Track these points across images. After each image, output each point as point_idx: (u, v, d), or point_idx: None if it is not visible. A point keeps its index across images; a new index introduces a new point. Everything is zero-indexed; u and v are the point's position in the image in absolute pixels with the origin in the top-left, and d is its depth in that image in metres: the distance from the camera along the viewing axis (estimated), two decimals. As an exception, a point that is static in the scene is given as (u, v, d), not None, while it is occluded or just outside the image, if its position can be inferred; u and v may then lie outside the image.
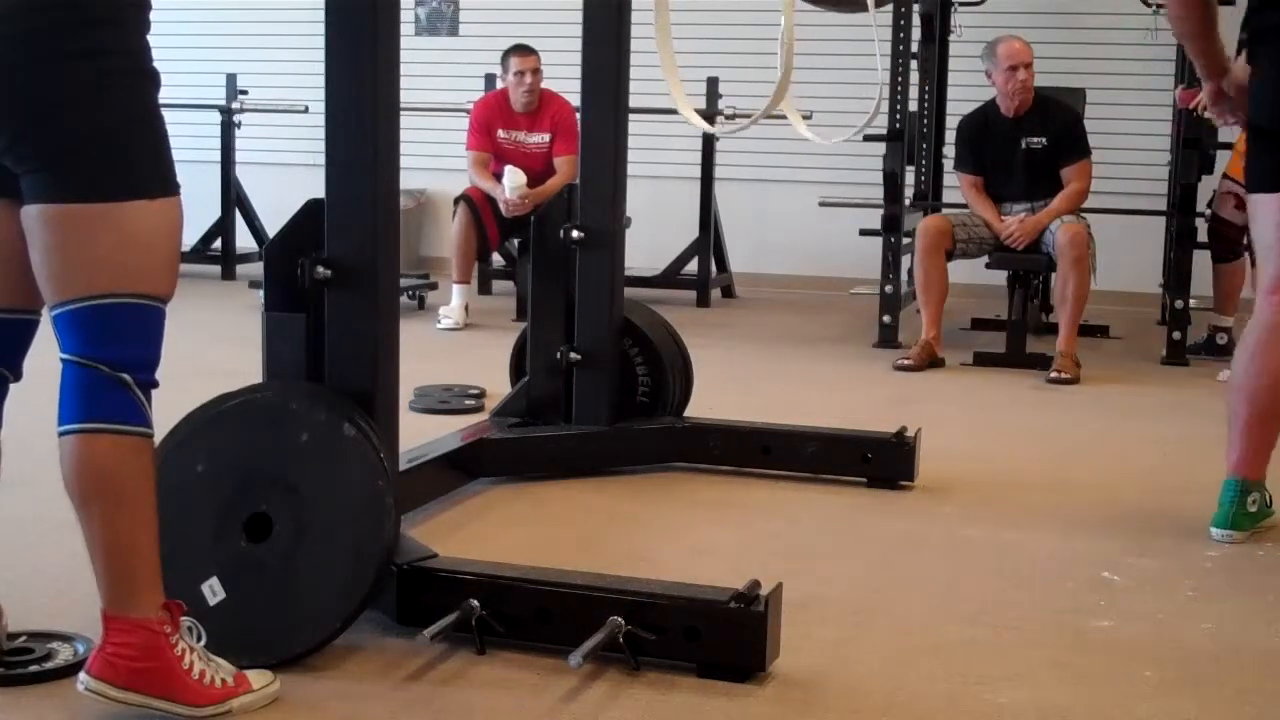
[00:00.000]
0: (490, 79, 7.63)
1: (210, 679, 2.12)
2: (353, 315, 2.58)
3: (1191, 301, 5.87)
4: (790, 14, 3.27)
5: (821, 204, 7.06)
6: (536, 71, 6.69)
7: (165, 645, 2.07)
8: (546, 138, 6.76)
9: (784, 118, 3.79)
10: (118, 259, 2.04)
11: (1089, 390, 5.18)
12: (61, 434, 2.06)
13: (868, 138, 5.34)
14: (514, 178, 6.54)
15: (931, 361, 5.52)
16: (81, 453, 2.05)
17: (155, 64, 2.14)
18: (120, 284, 2.05)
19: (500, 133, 6.79)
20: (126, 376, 2.06)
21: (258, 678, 2.20)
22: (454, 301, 6.59)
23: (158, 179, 2.10)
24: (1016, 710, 2.26)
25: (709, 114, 7.41)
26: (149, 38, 2.13)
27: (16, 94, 2.00)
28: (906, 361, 5.51)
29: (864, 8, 3.54)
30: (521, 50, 6.72)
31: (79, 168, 2.02)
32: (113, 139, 2.04)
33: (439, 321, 6.49)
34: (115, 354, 2.06)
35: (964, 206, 5.92)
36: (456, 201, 6.79)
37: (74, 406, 2.06)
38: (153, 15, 2.19)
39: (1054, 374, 5.27)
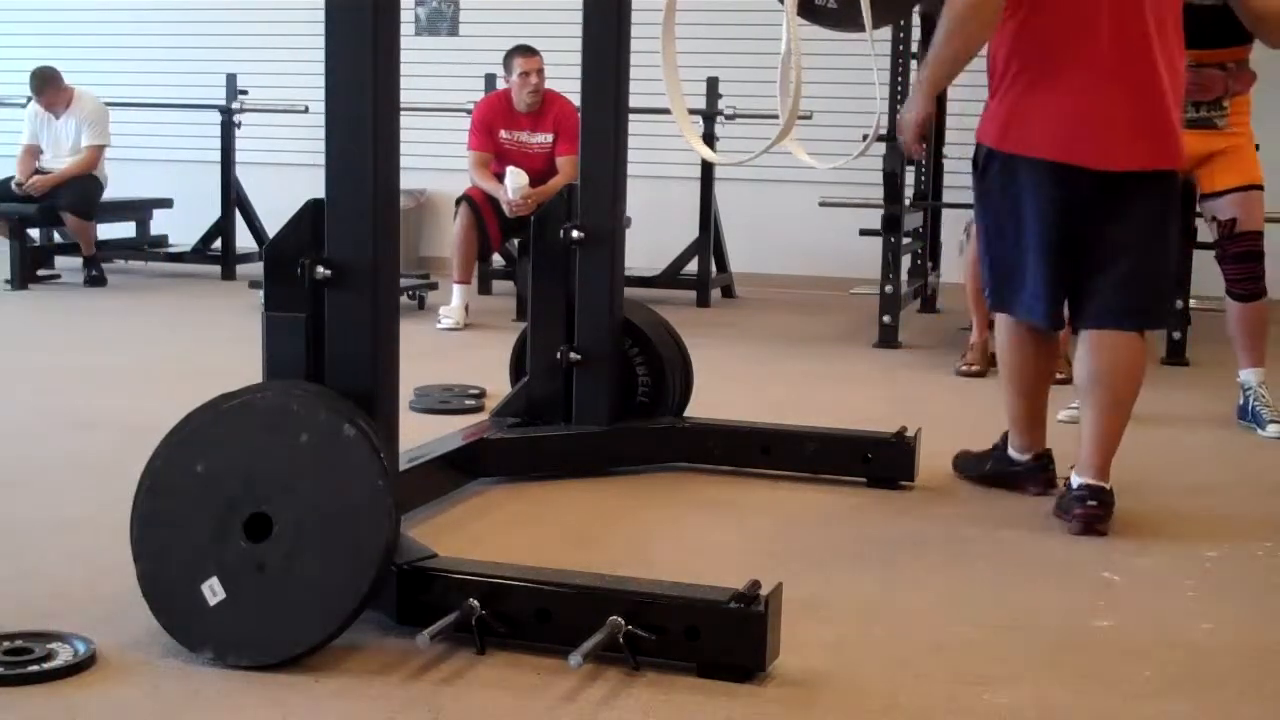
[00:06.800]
0: (490, 79, 7.63)
1: None
2: (353, 315, 2.58)
3: (1192, 302, 5.87)
4: (798, 52, 3.29)
5: (821, 204, 7.07)
6: (540, 72, 6.70)
7: None
8: (549, 138, 6.77)
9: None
10: None
11: (1089, 390, 5.17)
12: None
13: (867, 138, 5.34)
14: (516, 179, 6.54)
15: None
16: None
17: None
18: None
19: (502, 133, 6.79)
20: None
21: None
22: (454, 302, 6.59)
23: None
24: (1016, 710, 2.26)
25: (709, 113, 7.43)
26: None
27: None
28: (974, 367, 5.41)
29: (862, 28, 3.56)
30: (525, 51, 6.73)
31: None
32: None
33: (439, 321, 6.49)
34: None
35: (968, 206, 5.91)
36: (458, 202, 6.80)
37: None
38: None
39: (1057, 375, 5.20)
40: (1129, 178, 3.29)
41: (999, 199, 3.42)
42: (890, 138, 6.27)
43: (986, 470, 3.70)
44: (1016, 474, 3.63)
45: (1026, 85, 3.31)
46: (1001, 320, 3.56)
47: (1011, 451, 3.65)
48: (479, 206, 6.70)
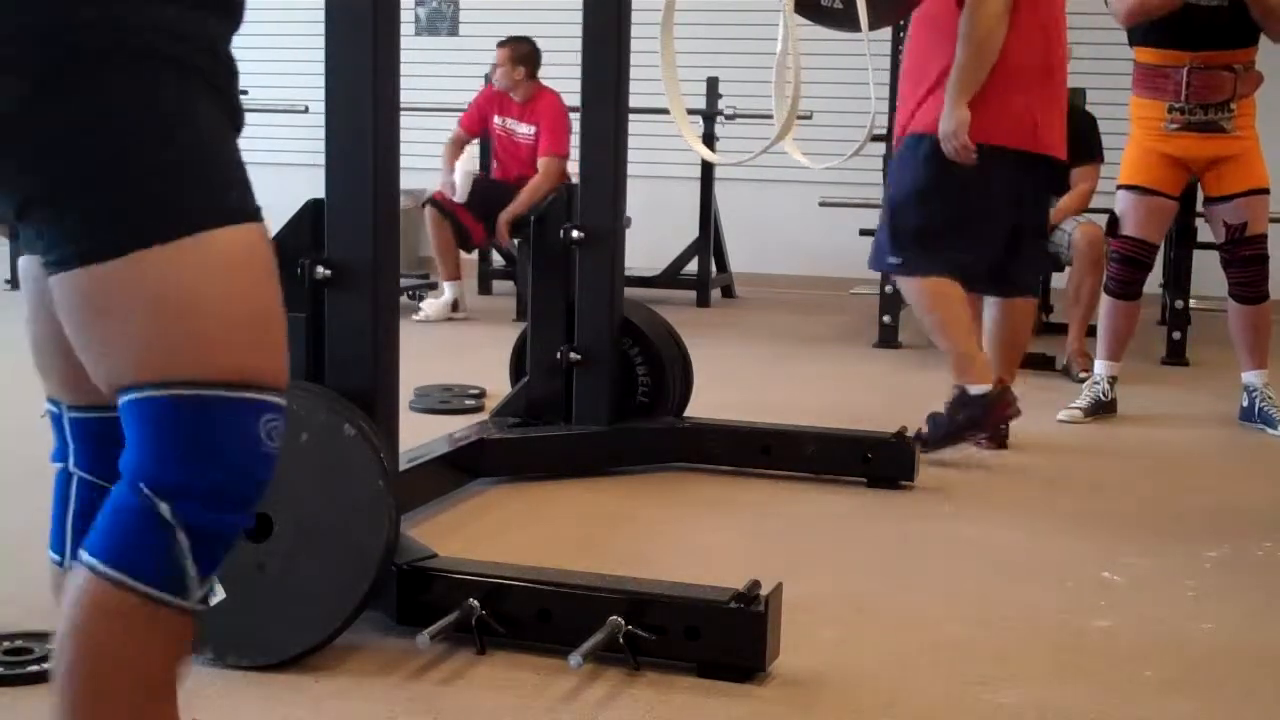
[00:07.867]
0: (490, 79, 7.64)
1: None
2: (353, 315, 2.58)
3: (1192, 302, 5.86)
4: (796, 52, 3.29)
5: (821, 204, 7.06)
6: (496, 65, 6.85)
7: None
8: (532, 130, 6.84)
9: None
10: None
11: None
12: None
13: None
14: (467, 163, 6.79)
15: None
16: None
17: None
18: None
19: (495, 119, 6.89)
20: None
21: None
22: (444, 296, 6.66)
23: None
24: (1016, 710, 2.26)
25: (709, 113, 7.43)
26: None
27: None
28: None
29: (859, 28, 3.56)
30: (502, 42, 6.86)
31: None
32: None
33: (415, 314, 6.54)
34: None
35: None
36: (423, 206, 6.89)
37: None
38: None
39: (1084, 374, 5.03)
40: (1057, 165, 3.95)
41: (969, 182, 3.78)
42: (887, 137, 6.27)
43: (960, 420, 3.78)
44: (993, 403, 3.77)
45: (988, 82, 3.74)
46: (925, 282, 3.86)
47: (972, 391, 3.79)
48: (443, 204, 6.79)
